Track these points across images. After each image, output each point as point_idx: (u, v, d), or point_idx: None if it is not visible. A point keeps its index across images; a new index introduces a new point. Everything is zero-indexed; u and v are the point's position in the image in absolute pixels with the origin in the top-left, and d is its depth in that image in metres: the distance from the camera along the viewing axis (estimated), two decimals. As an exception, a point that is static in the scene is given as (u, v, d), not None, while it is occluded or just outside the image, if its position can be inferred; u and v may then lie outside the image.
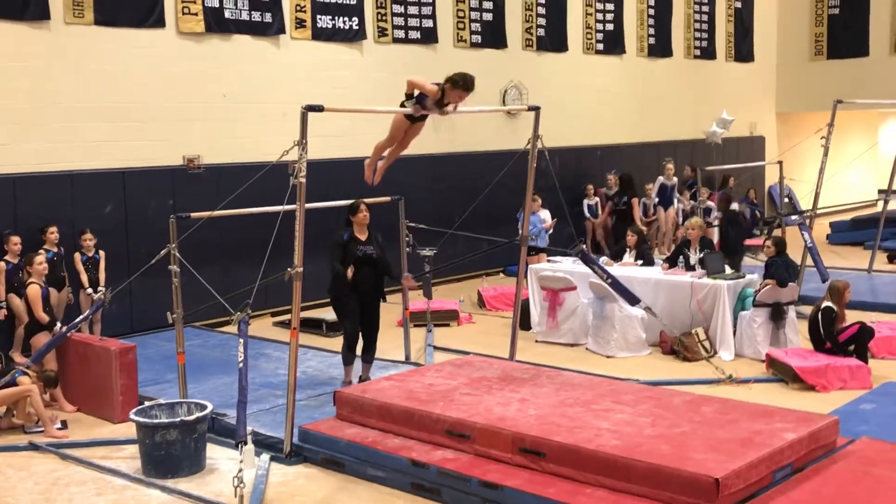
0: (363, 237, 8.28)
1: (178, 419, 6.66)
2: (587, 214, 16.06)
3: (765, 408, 6.60)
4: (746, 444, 5.78)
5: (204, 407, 6.83)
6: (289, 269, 6.68)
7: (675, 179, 16.34)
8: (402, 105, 6.88)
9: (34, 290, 8.42)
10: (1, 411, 7.84)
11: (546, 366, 8.42)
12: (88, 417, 8.12)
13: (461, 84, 6.68)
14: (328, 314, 10.14)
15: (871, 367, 8.53)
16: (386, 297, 8.49)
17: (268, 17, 12.26)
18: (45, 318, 8.50)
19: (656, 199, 16.24)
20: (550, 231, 13.51)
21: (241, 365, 6.54)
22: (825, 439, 6.20)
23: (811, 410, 6.83)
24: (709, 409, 6.50)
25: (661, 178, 16.21)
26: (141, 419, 6.66)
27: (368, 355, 8.46)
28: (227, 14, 11.86)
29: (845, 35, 20.50)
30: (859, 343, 8.66)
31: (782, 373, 8.59)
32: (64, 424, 7.81)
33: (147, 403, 7.15)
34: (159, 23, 11.27)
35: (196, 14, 11.58)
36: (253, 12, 12.11)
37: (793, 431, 5.98)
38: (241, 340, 6.56)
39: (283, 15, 12.41)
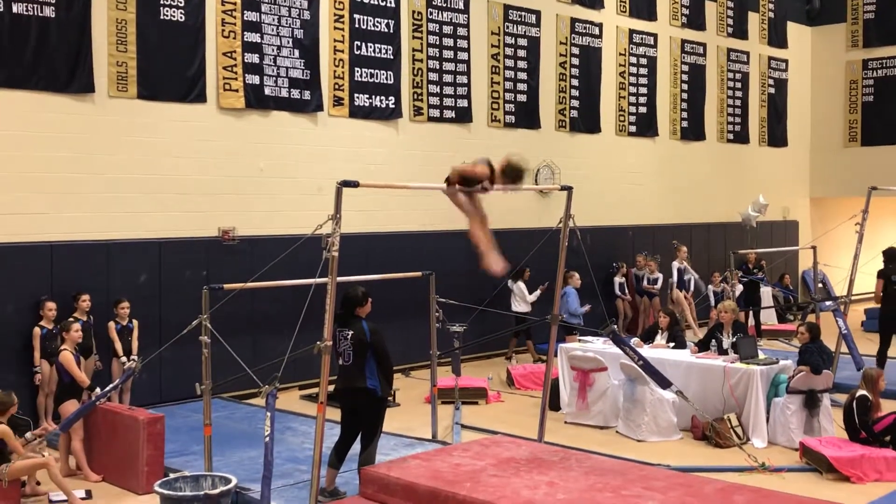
0: None
1: (203, 493, 6.61)
2: (618, 293, 16.01)
3: (799, 498, 6.44)
4: (780, 535, 5.63)
5: (228, 481, 6.78)
6: (318, 343, 6.68)
7: (685, 264, 16.24)
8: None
9: (67, 356, 8.47)
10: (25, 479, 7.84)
11: (575, 448, 8.29)
12: (113, 487, 8.09)
13: (510, 176, 6.89)
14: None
15: (909, 460, 8.32)
16: None
17: (306, 95, 12.52)
18: (85, 379, 8.52)
19: (675, 281, 16.19)
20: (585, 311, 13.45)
21: (267, 439, 6.51)
22: (862, 533, 6.02)
23: (846, 502, 6.65)
24: (741, 499, 6.34)
25: (674, 263, 16.11)
26: (165, 491, 6.62)
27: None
28: (267, 91, 12.13)
29: (879, 123, 20.56)
30: (894, 432, 8.46)
31: (816, 462, 8.40)
32: (88, 494, 7.78)
33: (172, 475, 7.12)
34: (200, 98, 11.54)
35: (237, 90, 11.85)
36: (292, 90, 12.38)
37: (828, 524, 5.82)
38: (269, 414, 6.53)
39: (321, 93, 12.67)
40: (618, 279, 16.07)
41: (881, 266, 12.42)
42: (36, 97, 10.30)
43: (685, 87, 18.46)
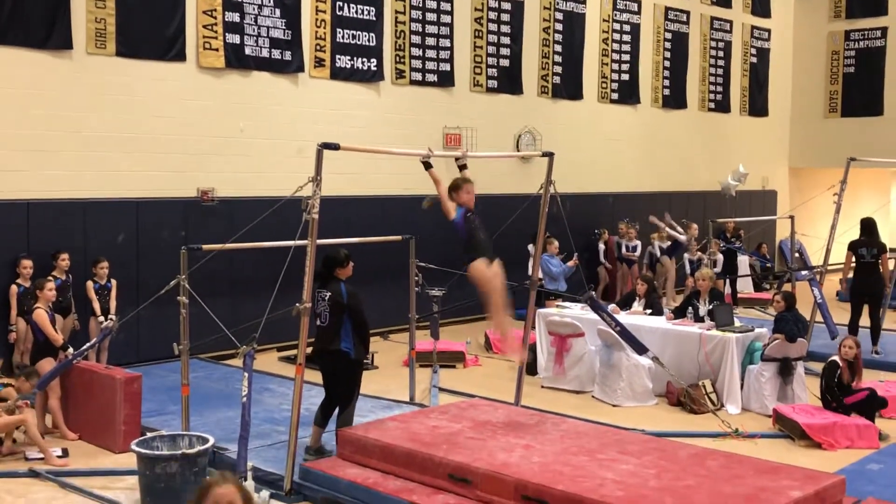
0: None
1: (179, 452, 6.61)
2: (602, 260, 16.10)
3: (771, 464, 6.52)
4: (751, 500, 5.71)
5: (205, 440, 6.78)
6: (297, 305, 6.68)
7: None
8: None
9: (40, 314, 8.42)
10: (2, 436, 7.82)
11: (551, 412, 8.36)
12: (89, 446, 8.08)
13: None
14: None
15: (879, 427, 8.44)
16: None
17: (287, 55, 12.40)
18: (59, 338, 8.48)
19: (659, 252, 16.29)
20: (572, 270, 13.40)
21: (244, 399, 6.52)
22: (831, 499, 6.11)
23: (817, 468, 6.75)
24: (714, 464, 6.43)
25: (682, 237, 16.20)
26: (142, 450, 6.61)
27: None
28: (247, 51, 12.00)
29: (860, 94, 20.64)
30: (867, 408, 8.54)
31: (789, 429, 8.51)
32: (65, 452, 7.77)
33: (149, 434, 7.11)
34: (180, 56, 11.41)
35: (217, 49, 11.71)
36: (273, 50, 12.25)
37: (799, 489, 5.90)
38: (246, 374, 6.54)
39: (302, 53, 12.55)
40: (601, 245, 16.14)
41: (855, 237, 12.50)
42: (13, 53, 10.14)
43: (668, 54, 18.42)
